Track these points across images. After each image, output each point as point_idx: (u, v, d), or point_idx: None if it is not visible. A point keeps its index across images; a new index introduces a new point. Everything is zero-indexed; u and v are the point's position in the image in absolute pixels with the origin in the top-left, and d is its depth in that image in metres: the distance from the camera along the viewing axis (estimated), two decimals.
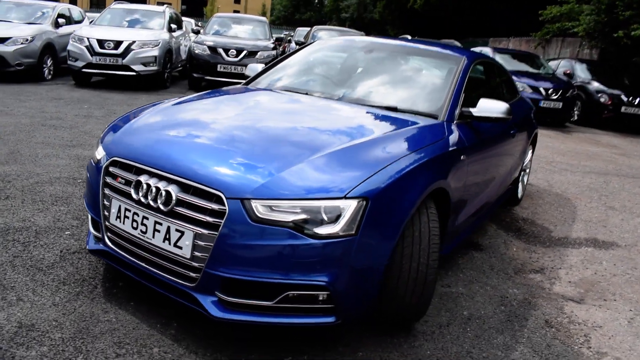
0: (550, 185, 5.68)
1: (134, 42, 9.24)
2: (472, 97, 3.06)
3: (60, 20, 10.21)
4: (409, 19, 30.20)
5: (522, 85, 10.53)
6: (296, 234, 1.89)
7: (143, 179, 2.13)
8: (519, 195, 4.70)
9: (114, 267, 2.40)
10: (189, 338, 2.18)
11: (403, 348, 2.29)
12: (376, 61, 3.52)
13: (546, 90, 10.45)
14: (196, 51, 10.30)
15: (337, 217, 1.93)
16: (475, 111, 2.93)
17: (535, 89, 10.49)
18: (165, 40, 9.89)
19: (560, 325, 2.66)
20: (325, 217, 1.92)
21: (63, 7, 10.83)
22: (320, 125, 2.62)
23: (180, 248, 2.02)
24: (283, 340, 2.24)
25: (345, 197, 1.94)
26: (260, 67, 3.77)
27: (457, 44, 14.30)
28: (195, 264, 1.99)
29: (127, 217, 2.19)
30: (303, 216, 1.91)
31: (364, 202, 1.96)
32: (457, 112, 2.92)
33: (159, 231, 2.07)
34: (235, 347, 2.15)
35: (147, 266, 2.16)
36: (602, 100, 11.15)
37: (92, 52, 9.05)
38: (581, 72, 12.14)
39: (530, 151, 4.85)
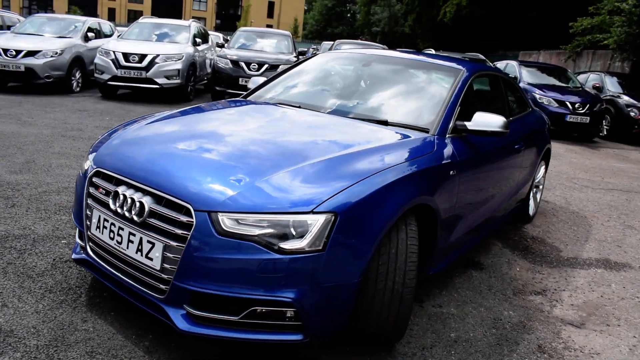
0: (567, 202, 5.47)
1: (157, 55, 9.47)
2: (472, 110, 2.98)
3: (90, 34, 10.57)
4: (438, 33, 30.02)
5: (548, 99, 10.28)
6: (261, 249, 1.86)
7: (121, 189, 2.15)
8: (531, 212, 4.54)
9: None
10: (161, 350, 2.16)
11: None
12: (375, 74, 3.48)
13: (572, 104, 10.15)
14: (219, 65, 10.47)
15: (306, 232, 1.89)
16: (470, 125, 2.84)
17: (562, 103, 10.21)
18: (189, 54, 10.09)
19: (553, 351, 2.53)
20: (294, 232, 1.89)
21: (93, 22, 11.22)
22: (302, 138, 2.59)
23: (151, 259, 2.02)
24: (256, 356, 2.20)
25: (312, 212, 1.90)
26: (261, 80, 3.79)
27: (481, 57, 14.08)
28: (165, 276, 1.99)
29: (105, 227, 2.21)
30: (270, 230, 1.88)
31: (333, 217, 1.91)
32: (450, 125, 2.84)
33: (132, 242, 2.08)
34: None
35: (122, 276, 2.17)
36: (632, 114, 10.75)
37: (118, 65, 9.32)
38: (611, 86, 11.76)
39: (543, 167, 4.69)
